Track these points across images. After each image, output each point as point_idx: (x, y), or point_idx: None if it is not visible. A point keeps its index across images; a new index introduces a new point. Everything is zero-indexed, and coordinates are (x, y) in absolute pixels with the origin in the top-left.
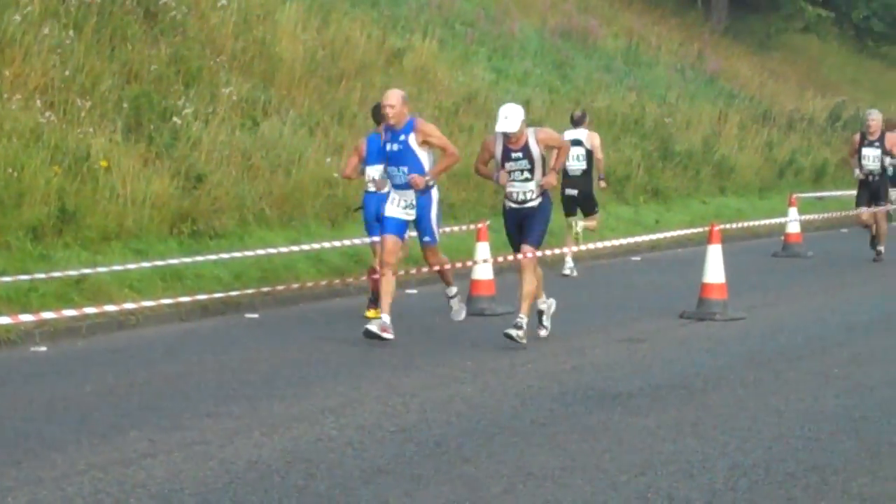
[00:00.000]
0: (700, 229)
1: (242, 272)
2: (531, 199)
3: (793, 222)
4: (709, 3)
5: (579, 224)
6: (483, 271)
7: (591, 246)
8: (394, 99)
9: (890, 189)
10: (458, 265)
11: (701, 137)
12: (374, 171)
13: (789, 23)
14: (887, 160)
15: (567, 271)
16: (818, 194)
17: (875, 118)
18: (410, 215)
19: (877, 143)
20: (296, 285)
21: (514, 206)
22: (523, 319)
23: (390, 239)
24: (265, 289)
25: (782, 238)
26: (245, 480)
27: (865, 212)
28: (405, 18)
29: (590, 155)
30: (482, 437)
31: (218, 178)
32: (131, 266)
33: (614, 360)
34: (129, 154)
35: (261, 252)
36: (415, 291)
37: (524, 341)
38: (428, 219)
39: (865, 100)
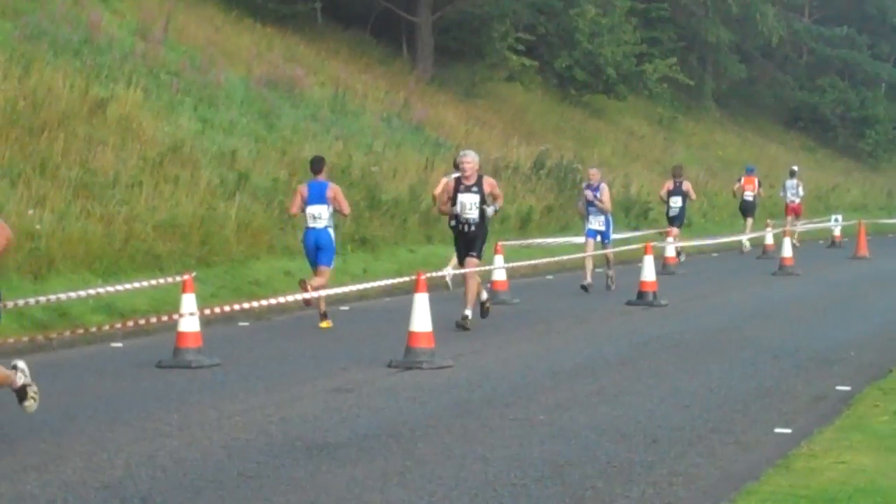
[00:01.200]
0: (407, 278)
1: None
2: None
3: (499, 270)
4: (415, 52)
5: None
6: (189, 323)
7: (298, 297)
8: None
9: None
10: (165, 319)
11: (408, 186)
12: (314, 210)
13: (494, 71)
14: (489, 209)
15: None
16: (524, 241)
17: (470, 160)
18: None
19: (475, 189)
20: None
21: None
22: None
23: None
24: None
25: (489, 286)
26: None
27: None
28: (109, 68)
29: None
30: (189, 492)
31: None
32: None
33: (322, 411)
34: None
35: None
36: (121, 345)
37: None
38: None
39: (569, 147)
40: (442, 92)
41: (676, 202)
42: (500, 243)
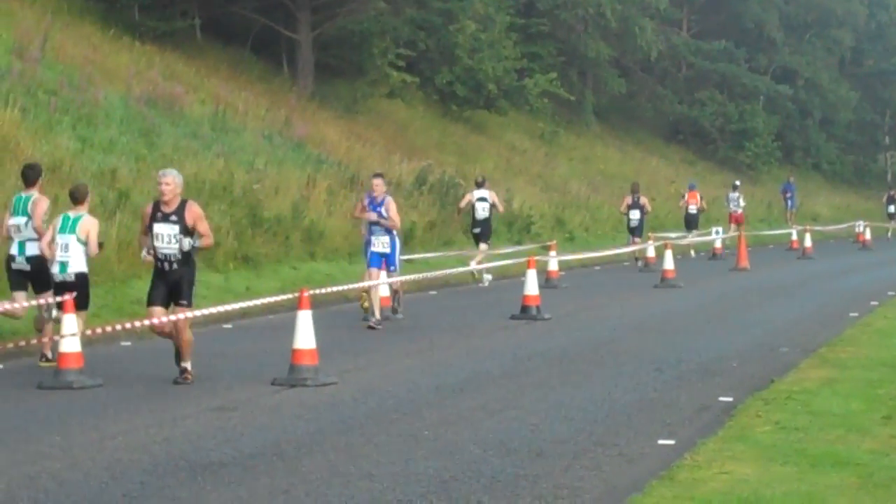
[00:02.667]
0: (291, 295)
1: None
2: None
3: (382, 286)
4: (295, 68)
5: None
6: (71, 344)
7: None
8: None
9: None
10: (45, 339)
11: (290, 203)
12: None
13: (375, 88)
14: (186, 242)
15: None
16: (405, 257)
17: (170, 181)
18: None
19: (174, 218)
20: None
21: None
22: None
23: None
24: None
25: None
26: None
27: (158, 320)
28: None
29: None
30: None
31: None
32: None
33: (205, 430)
34: None
35: None
36: (0, 366)
37: None
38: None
39: (451, 163)
40: (323, 109)
41: (636, 215)
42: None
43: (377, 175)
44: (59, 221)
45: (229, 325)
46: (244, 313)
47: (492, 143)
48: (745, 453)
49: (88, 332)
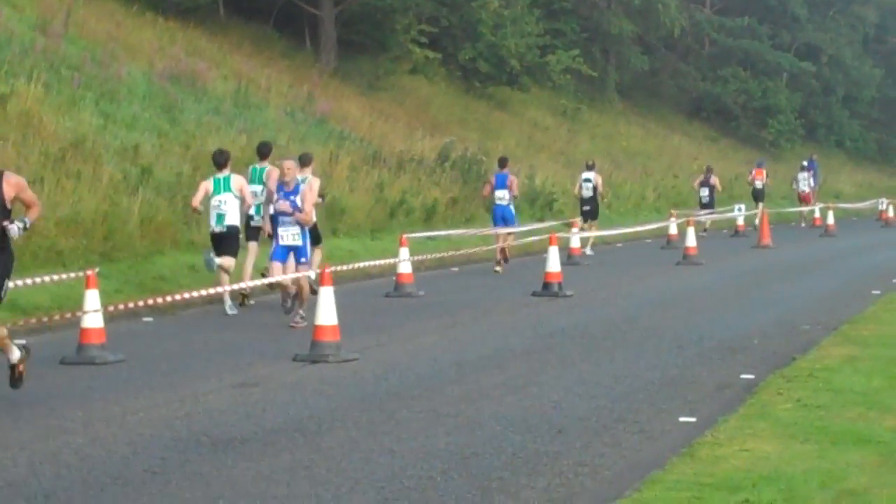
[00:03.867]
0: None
1: None
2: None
3: (404, 262)
4: (318, 45)
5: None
6: (93, 320)
7: (202, 292)
8: None
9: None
10: (68, 315)
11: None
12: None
13: (397, 64)
14: (14, 228)
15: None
16: (427, 234)
17: None
18: None
19: None
20: None
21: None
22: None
23: None
24: None
25: (394, 278)
26: None
27: None
28: (8, 63)
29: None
30: (94, 489)
31: None
32: None
33: (227, 406)
34: None
35: None
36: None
37: None
38: None
39: (473, 140)
40: (345, 85)
41: (705, 192)
42: (404, 235)
43: (286, 159)
44: (211, 183)
45: (252, 302)
46: (266, 290)
47: (514, 119)
48: (766, 431)
49: (111, 307)
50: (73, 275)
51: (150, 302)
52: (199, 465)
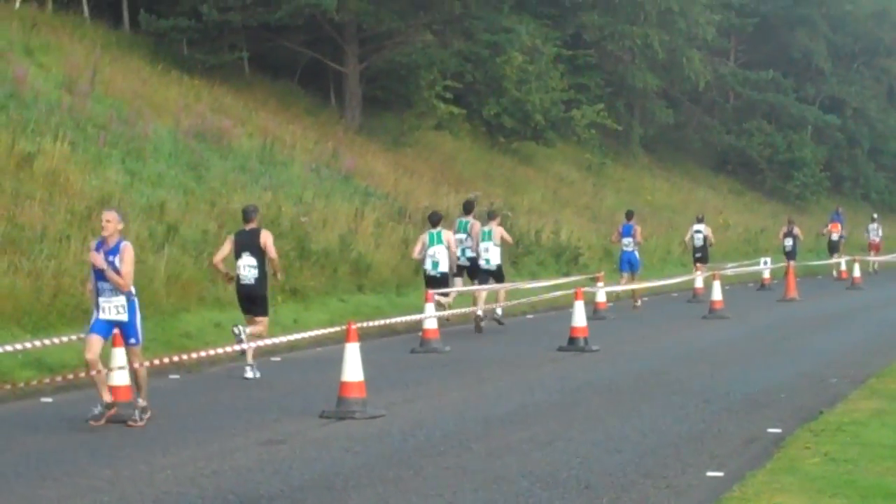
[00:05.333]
0: (338, 328)
1: None
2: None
3: (430, 318)
4: (343, 101)
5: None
6: (120, 377)
7: (228, 349)
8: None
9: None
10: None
11: (338, 235)
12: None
13: (422, 120)
14: None
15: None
16: (454, 290)
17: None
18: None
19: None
20: None
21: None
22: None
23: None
24: None
25: (420, 334)
26: None
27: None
28: (35, 122)
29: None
30: None
31: None
32: None
33: (254, 463)
34: None
35: None
36: (51, 400)
37: None
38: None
39: (498, 194)
40: (371, 141)
41: (789, 242)
42: (430, 291)
43: (109, 209)
44: (426, 237)
45: (278, 358)
46: (292, 346)
47: (539, 174)
48: (795, 485)
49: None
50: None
51: (177, 359)
52: None
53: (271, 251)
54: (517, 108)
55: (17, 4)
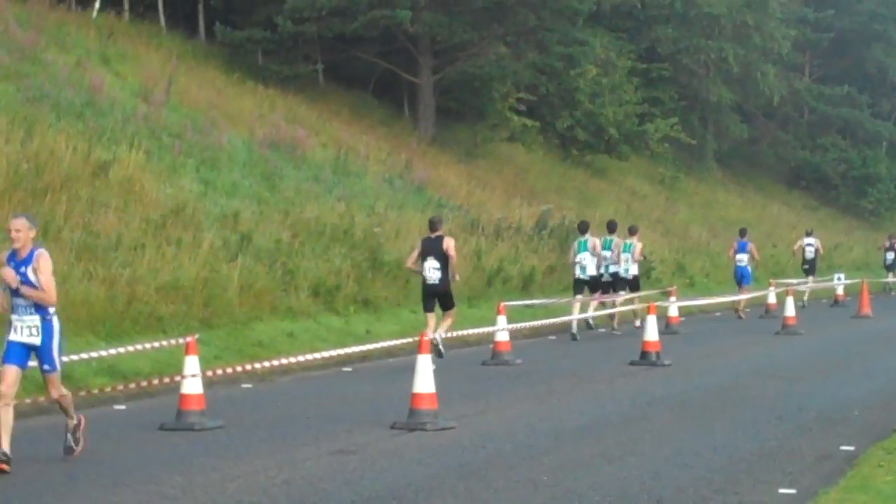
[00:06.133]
0: (410, 339)
1: None
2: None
3: (501, 331)
4: (416, 113)
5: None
6: (192, 385)
7: (300, 358)
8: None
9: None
10: (168, 381)
11: (410, 246)
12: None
13: (495, 132)
14: None
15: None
16: (526, 302)
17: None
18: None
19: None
20: None
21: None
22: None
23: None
24: None
25: (491, 346)
26: None
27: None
28: (111, 130)
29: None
30: None
31: None
32: None
33: (325, 473)
34: None
35: None
36: (124, 407)
37: None
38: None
39: (571, 207)
40: (443, 152)
41: (891, 256)
42: (502, 304)
43: (17, 216)
44: (576, 244)
45: (349, 368)
46: (364, 356)
47: (612, 187)
48: None
49: (210, 373)
50: (172, 341)
51: (249, 368)
52: None
53: (453, 255)
54: (590, 120)
55: (95, 13)
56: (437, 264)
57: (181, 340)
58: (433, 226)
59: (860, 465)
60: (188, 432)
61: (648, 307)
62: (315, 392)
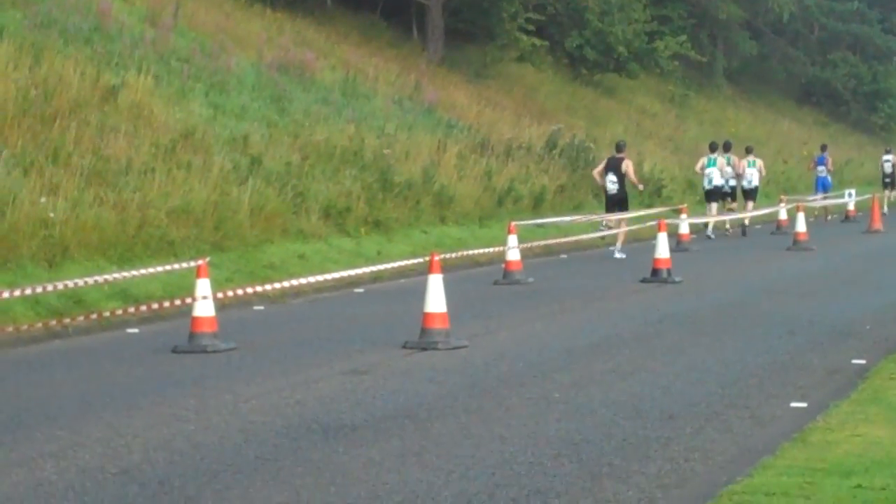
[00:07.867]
0: (421, 259)
1: None
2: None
3: (512, 250)
4: (425, 34)
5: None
6: (204, 308)
7: (312, 279)
8: None
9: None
10: (180, 304)
11: (420, 168)
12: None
13: (504, 52)
14: None
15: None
16: (537, 221)
17: None
18: None
19: None
20: (10, 328)
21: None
22: None
23: None
24: None
25: (503, 266)
26: None
27: None
28: (119, 55)
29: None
30: (206, 476)
31: None
32: None
33: (338, 393)
34: None
35: None
36: (136, 331)
37: None
38: None
39: (581, 127)
40: (453, 73)
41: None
42: (513, 223)
43: None
44: (705, 160)
45: (361, 289)
46: (375, 277)
47: (622, 106)
48: (879, 416)
49: (221, 295)
50: (184, 264)
51: (261, 290)
52: (310, 451)
53: (631, 174)
54: (599, 39)
55: None
56: (615, 178)
57: (192, 263)
58: (618, 148)
59: (871, 377)
60: (201, 354)
61: (659, 224)
62: (327, 313)
